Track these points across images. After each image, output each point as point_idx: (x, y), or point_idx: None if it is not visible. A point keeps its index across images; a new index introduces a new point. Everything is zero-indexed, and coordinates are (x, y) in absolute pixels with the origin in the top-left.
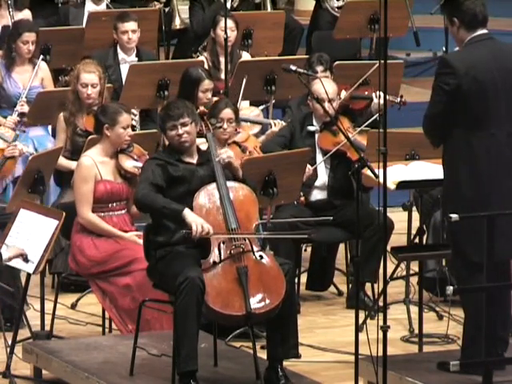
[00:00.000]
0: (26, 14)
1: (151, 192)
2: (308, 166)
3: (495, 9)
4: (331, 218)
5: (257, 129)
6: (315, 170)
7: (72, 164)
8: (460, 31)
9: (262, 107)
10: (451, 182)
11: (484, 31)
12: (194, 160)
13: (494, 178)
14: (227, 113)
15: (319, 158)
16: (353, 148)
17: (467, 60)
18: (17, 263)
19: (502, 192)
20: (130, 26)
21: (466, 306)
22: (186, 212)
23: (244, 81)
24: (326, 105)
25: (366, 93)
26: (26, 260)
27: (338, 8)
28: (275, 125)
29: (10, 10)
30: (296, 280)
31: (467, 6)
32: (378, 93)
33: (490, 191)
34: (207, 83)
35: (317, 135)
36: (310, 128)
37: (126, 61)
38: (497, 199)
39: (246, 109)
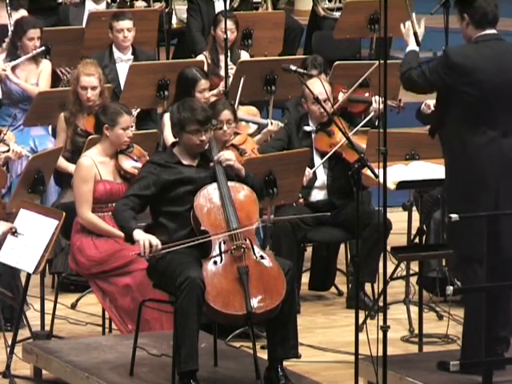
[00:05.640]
0: (22, 14)
1: (122, 207)
2: (307, 169)
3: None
4: (329, 213)
5: (254, 128)
6: (313, 173)
7: (70, 166)
8: (468, 28)
9: None
10: (446, 180)
11: (492, 31)
12: (195, 162)
13: (488, 177)
14: (226, 114)
15: (316, 158)
16: (350, 148)
17: (469, 57)
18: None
19: (496, 190)
20: (125, 24)
21: (466, 306)
22: (135, 232)
23: (241, 81)
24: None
25: (367, 94)
26: (14, 234)
27: (330, 9)
28: (272, 124)
29: (8, 9)
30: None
31: (479, 3)
32: (376, 97)
33: (481, 190)
34: (203, 83)
35: (313, 135)
36: (307, 128)
37: (122, 59)
38: (490, 198)
39: (244, 109)
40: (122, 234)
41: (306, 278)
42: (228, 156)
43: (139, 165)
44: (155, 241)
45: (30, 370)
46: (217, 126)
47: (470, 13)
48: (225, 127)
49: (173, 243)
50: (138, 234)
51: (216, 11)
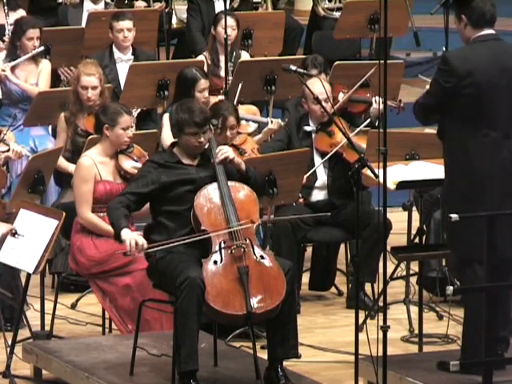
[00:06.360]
0: (20, 14)
1: (116, 204)
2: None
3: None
4: (329, 213)
5: (254, 126)
6: (313, 173)
7: (70, 166)
8: (466, 28)
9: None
10: (446, 181)
11: (490, 31)
12: (195, 162)
13: (488, 178)
14: (231, 120)
15: (316, 158)
16: (351, 148)
17: (468, 59)
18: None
19: (497, 192)
20: (126, 24)
21: (466, 306)
22: (123, 231)
23: (240, 85)
24: (323, 104)
25: (368, 95)
26: (14, 235)
27: (330, 9)
28: (272, 122)
29: (5, 9)
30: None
31: (476, 3)
32: (377, 98)
33: (482, 191)
34: (203, 82)
35: (313, 135)
36: (307, 128)
37: (122, 59)
38: (490, 199)
39: (244, 108)
40: None
41: (306, 278)
42: (226, 151)
43: (139, 165)
44: (141, 240)
45: (30, 370)
46: (217, 125)
47: (467, 13)
48: (228, 133)
49: (163, 242)
50: (126, 233)
51: (216, 11)
